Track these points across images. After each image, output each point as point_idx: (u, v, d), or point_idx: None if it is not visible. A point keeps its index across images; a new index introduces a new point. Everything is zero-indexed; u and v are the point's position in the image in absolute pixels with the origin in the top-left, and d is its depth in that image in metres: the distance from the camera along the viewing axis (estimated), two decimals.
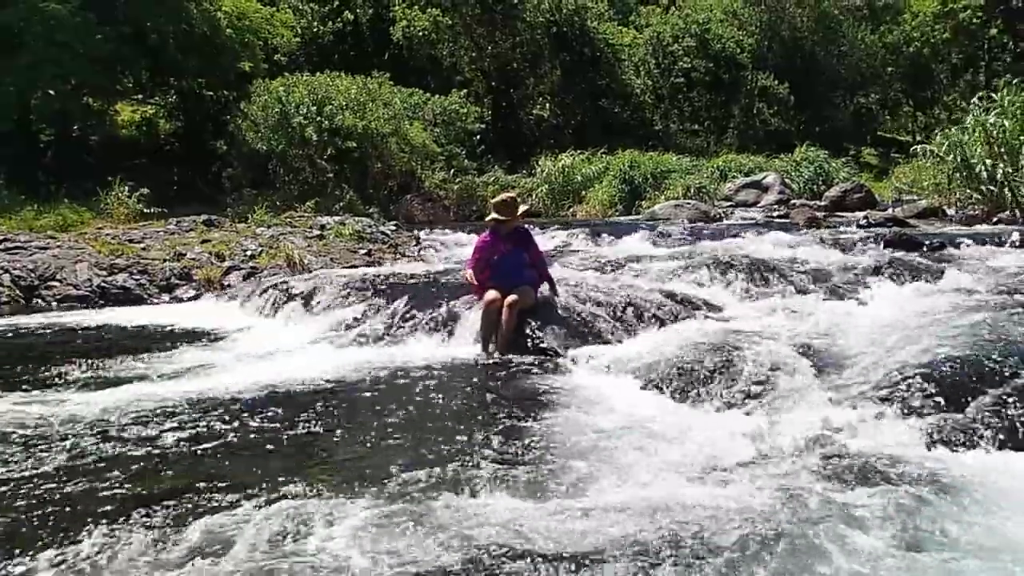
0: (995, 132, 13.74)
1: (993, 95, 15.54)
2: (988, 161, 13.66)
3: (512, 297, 6.71)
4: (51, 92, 19.36)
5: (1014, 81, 15.02)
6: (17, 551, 3.19)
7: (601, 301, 7.23)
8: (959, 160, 14.49)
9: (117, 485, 3.86)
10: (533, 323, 6.82)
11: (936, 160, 15.49)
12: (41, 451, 4.33)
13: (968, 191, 14.36)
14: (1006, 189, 13.29)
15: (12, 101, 18.28)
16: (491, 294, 6.84)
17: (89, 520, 3.45)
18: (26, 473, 4.03)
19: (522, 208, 7.41)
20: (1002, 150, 13.57)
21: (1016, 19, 31.80)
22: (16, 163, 17.54)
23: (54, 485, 3.87)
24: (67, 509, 3.59)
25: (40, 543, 3.25)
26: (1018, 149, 13.37)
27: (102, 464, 4.15)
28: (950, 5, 32.64)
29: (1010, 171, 13.30)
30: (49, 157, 19.72)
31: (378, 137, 20.58)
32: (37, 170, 18.35)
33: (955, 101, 19.62)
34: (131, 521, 3.44)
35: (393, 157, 21.14)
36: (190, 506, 3.59)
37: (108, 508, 3.59)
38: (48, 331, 8.33)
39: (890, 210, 16.12)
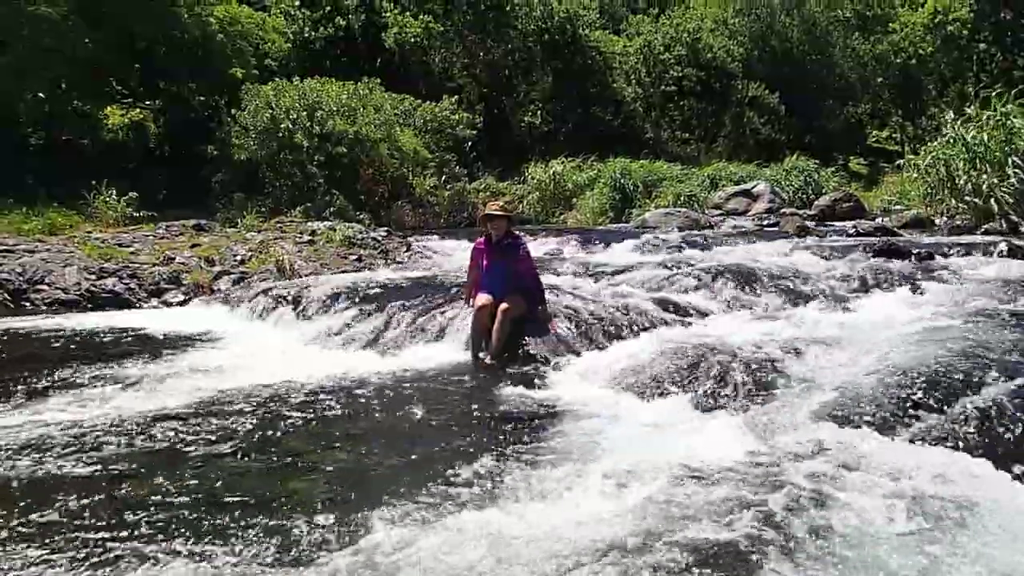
0: (978, 147, 13.86)
1: (966, 109, 15.70)
2: (973, 173, 13.78)
3: (505, 304, 6.72)
4: (41, 95, 19.32)
5: (993, 95, 15.16)
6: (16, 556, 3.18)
7: (591, 309, 7.25)
8: (943, 172, 14.62)
9: (105, 494, 3.85)
10: (524, 330, 6.82)
11: (922, 172, 15.61)
12: (25, 462, 4.31)
13: (955, 202, 14.46)
14: (992, 200, 13.39)
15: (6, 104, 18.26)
16: (482, 300, 6.84)
17: (69, 532, 3.43)
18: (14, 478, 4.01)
19: (498, 202, 7.37)
20: (986, 164, 13.68)
21: (1004, 32, 32.05)
22: (4, 167, 17.45)
23: (41, 492, 3.85)
24: (47, 520, 3.58)
25: (32, 546, 3.24)
26: (1002, 161, 13.48)
27: (88, 473, 4.13)
28: (939, 17, 32.86)
29: (995, 182, 13.40)
30: (38, 161, 19.62)
31: (369, 143, 20.58)
32: (26, 174, 18.27)
33: (944, 112, 19.83)
34: (112, 532, 3.43)
35: (384, 163, 21.14)
36: (170, 518, 3.58)
37: (102, 519, 3.57)
38: (39, 335, 8.28)
39: (879, 219, 16.20)
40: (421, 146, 22.93)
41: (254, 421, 4.97)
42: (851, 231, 14.31)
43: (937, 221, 15.05)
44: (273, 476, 4.10)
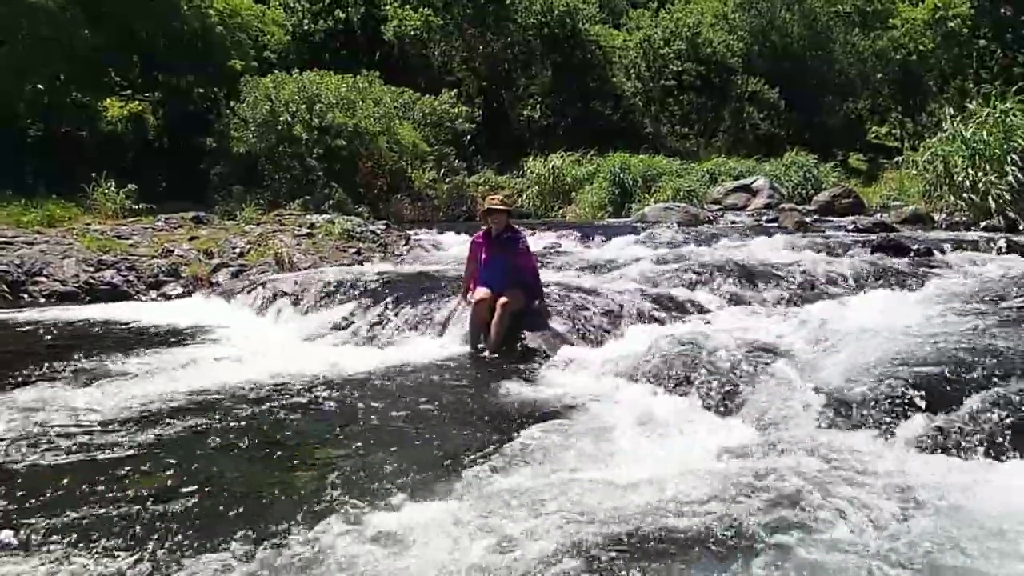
0: (977, 144, 13.86)
1: (967, 106, 15.70)
2: (971, 171, 13.78)
3: (504, 298, 6.72)
4: (40, 87, 19.27)
5: (992, 92, 15.16)
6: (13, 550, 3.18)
7: (590, 303, 7.25)
8: (942, 169, 14.63)
9: (101, 487, 3.84)
10: (523, 324, 6.83)
11: (921, 169, 15.62)
12: (25, 451, 4.32)
13: (953, 199, 14.47)
14: (989, 198, 13.40)
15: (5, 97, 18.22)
16: (480, 294, 6.85)
17: (73, 522, 3.44)
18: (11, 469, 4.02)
19: (498, 196, 7.42)
20: (984, 162, 13.68)
21: (1004, 28, 32.03)
22: (3, 159, 17.43)
23: (39, 484, 3.86)
24: (50, 509, 3.58)
25: (30, 540, 3.25)
26: (1001, 159, 13.48)
27: (83, 465, 4.13)
28: (939, 13, 32.84)
29: (993, 180, 13.40)
30: (36, 153, 19.59)
31: (368, 136, 20.55)
32: (24, 166, 18.24)
33: (943, 108, 19.74)
34: (115, 524, 3.44)
35: (383, 156, 21.11)
36: (174, 509, 3.59)
37: (96, 511, 3.58)
38: (35, 326, 8.26)
39: (878, 215, 16.20)
40: (420, 139, 22.90)
41: (248, 414, 4.97)
42: (850, 227, 14.31)
43: (936, 217, 15.05)
44: (263, 468, 4.11)
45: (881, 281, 8.45)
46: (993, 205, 13.34)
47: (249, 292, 9.55)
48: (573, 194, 22.90)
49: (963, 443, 4.02)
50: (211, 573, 2.99)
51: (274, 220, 15.53)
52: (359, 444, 4.45)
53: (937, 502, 3.45)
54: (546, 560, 3.00)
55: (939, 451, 4.02)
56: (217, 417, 4.89)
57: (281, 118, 19.68)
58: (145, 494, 3.71)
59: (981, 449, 3.96)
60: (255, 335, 7.85)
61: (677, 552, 3.08)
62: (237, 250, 12.59)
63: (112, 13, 19.52)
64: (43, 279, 10.72)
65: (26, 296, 10.42)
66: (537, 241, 13.15)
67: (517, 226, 7.69)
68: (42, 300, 10.31)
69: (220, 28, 22.46)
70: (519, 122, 30.73)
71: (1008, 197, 13.24)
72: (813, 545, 3.09)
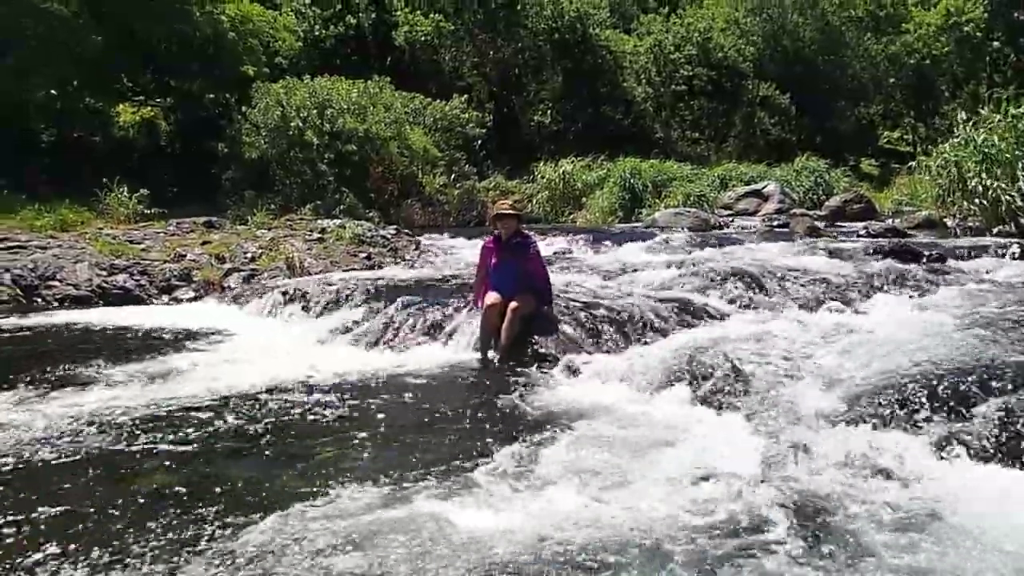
0: (989, 149, 13.76)
1: (980, 110, 15.60)
2: (983, 176, 13.68)
3: (515, 303, 6.71)
4: (53, 93, 19.40)
5: (1005, 97, 15.06)
6: (18, 550, 3.20)
7: (600, 309, 7.23)
8: (955, 174, 14.53)
9: (108, 488, 3.87)
10: (533, 329, 6.82)
11: (934, 174, 15.53)
12: (36, 452, 4.34)
13: (966, 204, 14.37)
14: (1001, 204, 13.29)
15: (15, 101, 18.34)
16: (491, 299, 6.84)
17: (82, 522, 3.46)
18: (21, 471, 4.04)
19: (508, 201, 7.44)
20: (996, 168, 13.57)
21: (1018, 32, 31.90)
22: (17, 163, 17.55)
23: (47, 485, 3.88)
24: (61, 510, 3.60)
25: (36, 540, 3.26)
26: (1013, 164, 13.38)
27: (92, 468, 4.16)
28: (953, 18, 32.72)
29: (1005, 186, 13.29)
30: (49, 158, 19.71)
31: (379, 141, 20.63)
32: (38, 170, 18.35)
33: (956, 112, 19.56)
34: (124, 524, 3.45)
35: (394, 161, 21.18)
36: (183, 510, 3.61)
37: (101, 512, 3.59)
38: (50, 331, 8.31)
39: (890, 221, 16.11)
40: (431, 145, 22.96)
41: (256, 417, 4.99)
42: (862, 232, 14.24)
43: (948, 223, 14.94)
44: (269, 470, 4.12)
45: (893, 287, 8.41)
46: (1005, 210, 13.25)
47: (260, 296, 9.59)
48: (583, 199, 22.90)
49: (977, 448, 3.99)
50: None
51: (285, 225, 15.58)
52: (358, 446, 4.47)
53: (951, 509, 3.43)
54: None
55: (952, 457, 3.99)
56: (224, 419, 4.91)
57: (292, 123, 19.78)
58: (147, 495, 3.74)
59: (994, 455, 3.93)
60: (265, 339, 7.88)
61: (691, 561, 3.06)
62: (248, 255, 12.64)
63: (113, 13, 19.58)
64: (56, 283, 10.77)
65: (39, 300, 10.47)
66: (547, 246, 13.14)
67: (527, 231, 7.69)
68: (55, 304, 10.35)
69: (232, 34, 22.60)
70: (529, 127, 30.78)
71: (1020, 203, 13.14)
72: (829, 556, 3.07)
